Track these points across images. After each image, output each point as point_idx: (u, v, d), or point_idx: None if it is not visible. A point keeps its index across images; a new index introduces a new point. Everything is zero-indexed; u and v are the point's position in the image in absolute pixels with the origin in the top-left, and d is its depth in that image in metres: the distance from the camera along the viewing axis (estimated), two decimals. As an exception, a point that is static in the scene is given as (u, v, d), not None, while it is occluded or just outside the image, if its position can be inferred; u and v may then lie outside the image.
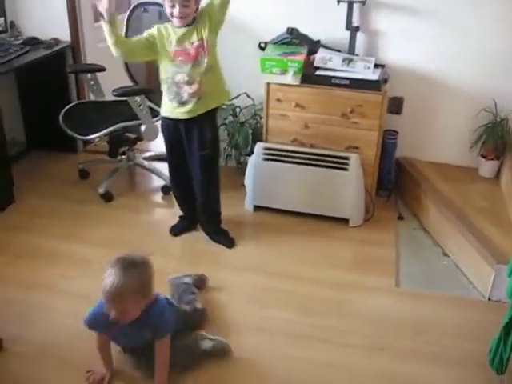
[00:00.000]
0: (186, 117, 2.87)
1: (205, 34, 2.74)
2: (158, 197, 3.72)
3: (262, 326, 2.56)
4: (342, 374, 2.33)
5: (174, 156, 3.07)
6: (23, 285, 2.79)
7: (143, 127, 3.43)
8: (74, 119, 3.52)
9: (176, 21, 2.74)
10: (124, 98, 3.32)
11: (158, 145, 4.15)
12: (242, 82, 3.57)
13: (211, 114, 2.92)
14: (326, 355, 2.41)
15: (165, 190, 3.70)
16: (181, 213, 3.28)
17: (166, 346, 2.16)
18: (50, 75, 3.88)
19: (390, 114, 3.56)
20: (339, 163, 3.24)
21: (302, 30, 3.33)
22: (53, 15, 3.82)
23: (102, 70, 3.66)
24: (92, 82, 3.70)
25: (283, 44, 3.35)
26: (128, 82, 3.76)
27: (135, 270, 2.03)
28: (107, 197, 3.56)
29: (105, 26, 2.76)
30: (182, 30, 2.76)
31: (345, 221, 3.33)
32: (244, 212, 3.49)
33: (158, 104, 3.61)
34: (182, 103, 2.84)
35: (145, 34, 2.84)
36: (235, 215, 3.43)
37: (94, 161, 3.98)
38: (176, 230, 3.25)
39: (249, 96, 3.62)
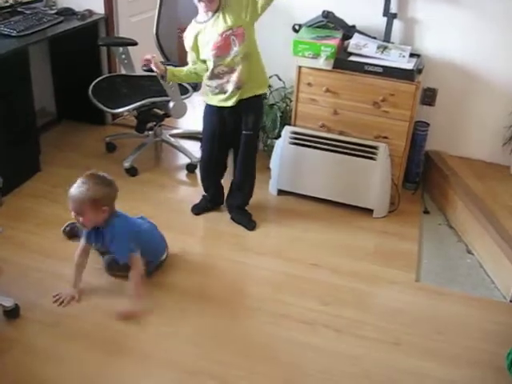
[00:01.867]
0: (230, 104, 2.87)
1: (237, 20, 2.71)
2: (183, 174, 3.70)
3: (275, 311, 2.55)
4: (356, 365, 2.30)
5: (212, 142, 3.04)
6: (42, 253, 2.82)
7: (171, 104, 3.41)
8: (104, 92, 3.52)
9: (203, 6, 2.70)
10: (153, 74, 3.29)
11: (186, 122, 4.18)
12: (273, 63, 3.48)
13: (256, 99, 2.92)
14: (340, 345, 2.39)
15: (190, 168, 3.69)
16: (203, 193, 3.27)
17: (134, 264, 2.48)
18: (83, 47, 3.87)
19: (423, 105, 3.48)
20: (367, 152, 3.18)
21: (338, 14, 3.26)
22: (88, -14, 3.81)
23: (134, 44, 3.64)
24: (123, 56, 3.69)
25: (318, 27, 3.29)
26: (160, 58, 3.74)
27: (96, 185, 2.40)
28: (132, 171, 3.56)
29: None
30: (210, 23, 2.74)
31: (369, 211, 3.27)
32: (268, 195, 3.46)
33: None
34: (225, 93, 2.84)
35: (187, 49, 2.86)
36: (259, 198, 3.39)
37: (121, 135, 3.99)
38: (198, 209, 3.25)
39: (280, 78, 3.57)
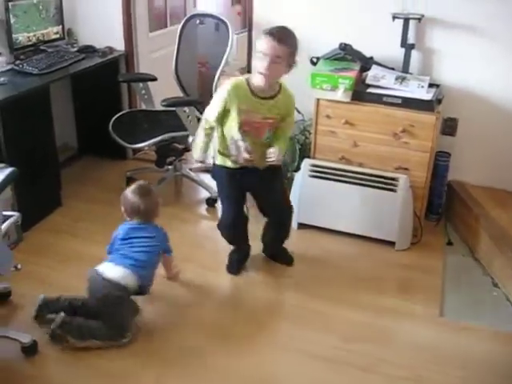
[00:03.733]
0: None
1: (278, 115, 2.66)
2: (203, 208, 3.70)
3: (295, 347, 2.50)
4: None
5: (232, 203, 2.90)
6: (62, 288, 2.79)
7: (191, 138, 3.43)
8: (124, 127, 3.56)
9: (260, 79, 2.54)
10: (173, 109, 3.33)
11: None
12: (292, 96, 3.53)
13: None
14: (361, 383, 2.33)
15: (209, 201, 3.69)
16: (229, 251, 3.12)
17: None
18: (104, 83, 3.94)
19: (444, 135, 3.44)
20: (388, 184, 3.15)
21: (356, 46, 3.27)
22: (109, 24, 3.89)
23: (154, 79, 3.69)
24: (143, 92, 3.73)
25: (335, 60, 3.30)
26: (179, 93, 3.78)
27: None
28: (152, 206, 3.56)
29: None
30: (260, 101, 2.62)
31: (391, 243, 3.22)
32: (288, 229, 3.43)
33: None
34: (238, 163, 2.74)
35: (215, 107, 2.67)
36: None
37: (142, 169, 4.01)
38: (236, 268, 3.04)
39: (299, 111, 3.54)
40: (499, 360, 2.48)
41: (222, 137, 2.74)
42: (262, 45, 2.49)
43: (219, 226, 2.99)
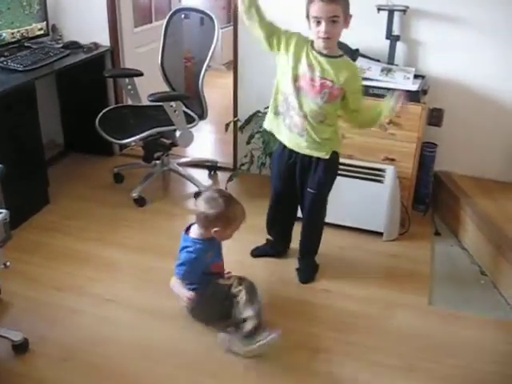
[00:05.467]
0: (297, 150, 2.66)
1: (337, 83, 2.45)
2: (191, 203, 3.70)
3: (287, 339, 2.50)
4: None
5: (280, 180, 2.82)
6: (53, 286, 2.81)
7: (178, 133, 3.43)
8: (111, 123, 3.54)
9: (320, 45, 2.42)
10: (160, 104, 3.32)
11: (193, 151, 4.19)
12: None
13: (323, 164, 2.68)
14: (353, 372, 2.34)
15: (197, 196, 3.67)
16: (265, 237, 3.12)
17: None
18: (89, 79, 3.91)
19: (430, 125, 3.47)
20: (375, 175, 3.17)
21: (341, 39, 3.26)
22: (93, 20, 3.86)
23: (140, 74, 3.68)
24: (129, 87, 3.72)
25: (321, 52, 3.30)
26: (165, 88, 3.78)
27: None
28: (140, 202, 3.56)
29: None
30: (321, 59, 2.45)
31: (379, 234, 3.24)
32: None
33: (194, 110, 3.64)
34: (291, 129, 2.60)
35: (284, 29, 2.53)
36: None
37: (129, 165, 4.00)
38: (257, 252, 3.08)
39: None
40: (489, 347, 2.51)
41: (276, 91, 2.61)
42: (314, 9, 2.35)
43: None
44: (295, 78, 2.49)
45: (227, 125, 3.78)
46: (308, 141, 2.59)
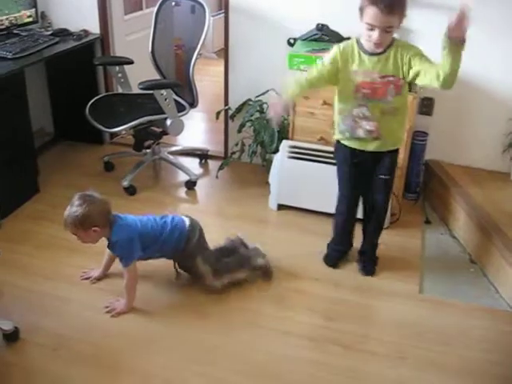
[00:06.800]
0: (359, 148, 2.61)
1: (402, 70, 2.40)
2: (182, 192, 3.69)
3: (278, 327, 2.52)
4: (362, 381, 2.27)
5: (348, 183, 2.78)
6: (43, 275, 2.80)
7: (169, 121, 3.41)
8: (101, 111, 3.52)
9: (371, 46, 2.37)
10: (150, 92, 3.30)
11: (184, 139, 4.18)
12: (270, 78, 3.52)
13: (390, 154, 2.64)
14: (345, 361, 2.36)
15: (188, 184, 3.68)
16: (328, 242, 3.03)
17: (128, 274, 2.52)
18: (79, 67, 3.88)
19: (421, 114, 3.47)
20: (366, 164, 3.16)
21: (333, 27, 3.27)
22: (83, 7, 3.82)
23: (130, 62, 3.66)
24: (120, 75, 3.70)
25: (312, 40, 3.30)
26: (156, 76, 3.75)
27: (79, 206, 2.40)
28: (130, 190, 3.55)
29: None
30: (374, 59, 2.40)
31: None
32: (268, 210, 3.44)
33: (185, 98, 3.63)
34: (356, 138, 2.57)
35: (326, 59, 2.50)
36: (259, 213, 3.39)
37: (120, 153, 3.98)
38: (335, 259, 2.97)
39: (277, 92, 3.55)
40: (478, 334, 2.53)
41: (338, 106, 2.57)
42: (370, 15, 2.25)
43: (336, 211, 2.90)
44: (357, 89, 2.44)
45: (218, 113, 3.77)
46: (381, 141, 2.55)
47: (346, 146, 2.65)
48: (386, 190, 2.76)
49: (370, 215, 2.85)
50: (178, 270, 2.76)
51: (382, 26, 2.26)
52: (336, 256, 2.97)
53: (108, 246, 2.58)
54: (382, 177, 2.69)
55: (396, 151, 2.67)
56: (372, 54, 2.40)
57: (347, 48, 2.45)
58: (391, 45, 2.40)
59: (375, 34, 2.29)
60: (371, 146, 2.58)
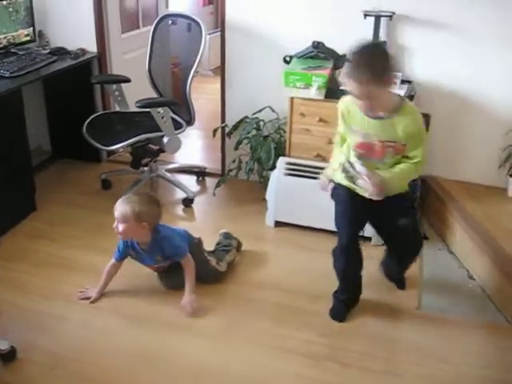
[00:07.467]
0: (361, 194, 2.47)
1: (399, 140, 2.32)
2: (179, 209, 3.69)
3: (275, 345, 2.51)
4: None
5: (350, 224, 2.61)
6: (40, 294, 2.79)
7: (166, 139, 3.42)
8: (98, 129, 3.53)
9: (358, 104, 2.30)
10: (147, 110, 3.32)
11: (181, 156, 4.19)
12: (266, 95, 3.55)
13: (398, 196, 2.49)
14: (342, 378, 2.34)
15: (186, 202, 3.68)
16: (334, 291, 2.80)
17: (188, 263, 2.72)
18: (76, 85, 3.90)
19: (417, 131, 3.48)
20: (363, 180, 3.17)
21: (328, 44, 3.29)
22: (80, 26, 3.85)
23: (127, 81, 3.68)
24: (117, 93, 3.71)
25: (308, 58, 3.32)
26: (153, 94, 3.77)
27: (142, 201, 2.61)
28: (128, 208, 3.54)
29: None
30: (377, 123, 2.32)
31: (367, 239, 3.24)
32: (265, 227, 3.44)
33: (182, 116, 3.65)
34: (355, 184, 2.44)
35: (339, 125, 2.51)
36: (256, 231, 3.39)
37: (117, 171, 3.98)
38: (342, 313, 2.72)
39: (273, 110, 3.58)
40: (477, 351, 2.52)
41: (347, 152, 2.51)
42: (349, 87, 2.23)
43: (333, 253, 2.68)
44: (354, 145, 2.42)
45: (215, 130, 3.78)
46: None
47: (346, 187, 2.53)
48: (408, 214, 2.63)
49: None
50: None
51: (358, 94, 2.22)
52: (342, 309, 2.73)
53: (147, 260, 2.77)
54: (404, 221, 2.56)
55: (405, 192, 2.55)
56: (375, 118, 2.33)
57: (350, 105, 2.40)
58: (399, 108, 2.30)
59: (360, 103, 2.27)
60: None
